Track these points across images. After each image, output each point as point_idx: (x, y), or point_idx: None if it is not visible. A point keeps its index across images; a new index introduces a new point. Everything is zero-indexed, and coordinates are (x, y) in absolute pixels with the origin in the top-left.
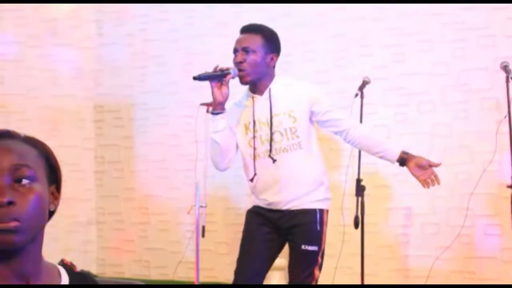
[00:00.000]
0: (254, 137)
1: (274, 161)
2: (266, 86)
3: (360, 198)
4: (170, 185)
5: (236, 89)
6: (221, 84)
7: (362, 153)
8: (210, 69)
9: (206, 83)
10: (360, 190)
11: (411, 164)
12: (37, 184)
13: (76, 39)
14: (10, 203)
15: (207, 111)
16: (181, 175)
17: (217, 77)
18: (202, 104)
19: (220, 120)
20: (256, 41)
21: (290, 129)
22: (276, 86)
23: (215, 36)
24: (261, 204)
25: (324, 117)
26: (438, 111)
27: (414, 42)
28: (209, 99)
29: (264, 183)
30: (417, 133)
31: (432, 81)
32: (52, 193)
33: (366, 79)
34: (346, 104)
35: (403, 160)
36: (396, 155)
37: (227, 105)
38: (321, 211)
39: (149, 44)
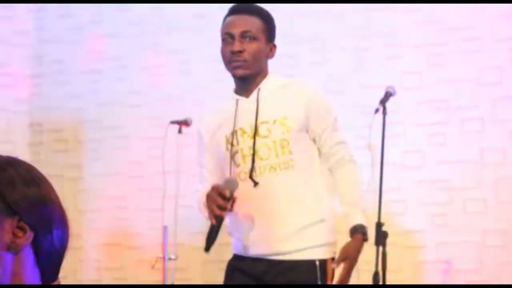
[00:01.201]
0: (236, 151)
1: (255, 184)
2: (256, 85)
3: (381, 248)
4: (130, 229)
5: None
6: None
7: (386, 187)
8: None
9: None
10: (381, 237)
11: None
12: None
13: (7, 34)
14: None
15: (180, 131)
16: (145, 217)
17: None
18: (173, 122)
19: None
20: (257, 25)
21: (281, 141)
22: (267, 86)
23: (190, 31)
24: (239, 250)
25: (317, 136)
26: (489, 131)
27: (457, 41)
28: (182, 116)
29: (241, 215)
30: (461, 161)
31: (481, 91)
32: (20, 228)
33: (390, 90)
34: (366, 123)
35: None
36: (349, 226)
37: (206, 111)
38: (322, 262)
39: (105, 41)
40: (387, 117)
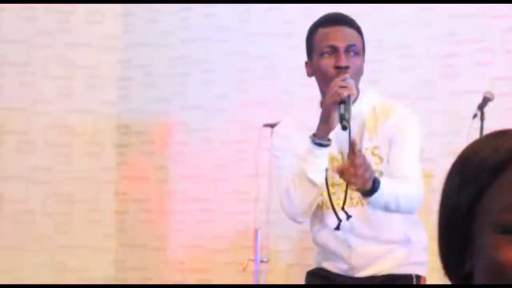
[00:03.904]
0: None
1: (348, 217)
2: None
3: None
4: (216, 232)
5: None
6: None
7: None
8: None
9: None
10: None
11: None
12: None
13: (97, 38)
14: None
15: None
16: (230, 220)
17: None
18: (266, 125)
19: (327, 155)
20: (359, 40)
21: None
22: (360, 108)
23: (278, 36)
24: (331, 268)
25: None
26: None
27: None
28: (273, 119)
29: (335, 243)
30: None
31: None
32: None
33: (488, 95)
34: (457, 129)
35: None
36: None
37: (288, 124)
38: (419, 278)
39: (192, 45)
40: (476, 123)
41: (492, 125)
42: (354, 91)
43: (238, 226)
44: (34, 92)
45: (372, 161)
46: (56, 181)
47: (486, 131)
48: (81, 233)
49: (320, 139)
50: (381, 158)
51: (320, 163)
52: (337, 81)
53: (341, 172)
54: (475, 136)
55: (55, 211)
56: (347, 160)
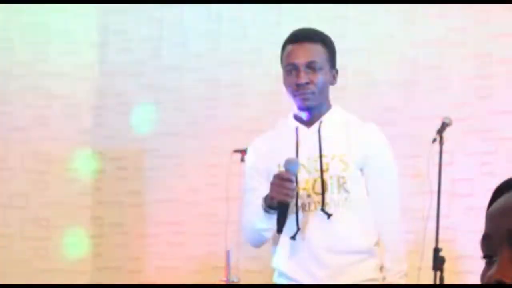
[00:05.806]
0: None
1: (329, 216)
2: (319, 116)
3: (438, 273)
4: (188, 253)
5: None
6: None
7: (443, 213)
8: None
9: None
10: (438, 262)
11: None
12: None
13: (72, 67)
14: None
15: (242, 159)
16: (201, 241)
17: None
18: (236, 151)
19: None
20: (320, 53)
21: (338, 178)
22: (330, 120)
23: (247, 64)
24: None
25: (369, 188)
26: None
27: (504, 73)
28: (243, 145)
29: (294, 247)
30: None
31: None
32: None
33: (447, 120)
34: (418, 152)
35: None
36: None
37: (261, 141)
38: None
39: (163, 74)
40: (442, 147)
41: (450, 148)
42: (292, 198)
43: (209, 247)
44: (10, 120)
45: (339, 167)
46: (33, 207)
47: (445, 154)
48: (54, 258)
49: (269, 206)
50: (347, 165)
51: (268, 223)
52: (282, 177)
53: None
54: (435, 159)
55: (33, 235)
56: None
